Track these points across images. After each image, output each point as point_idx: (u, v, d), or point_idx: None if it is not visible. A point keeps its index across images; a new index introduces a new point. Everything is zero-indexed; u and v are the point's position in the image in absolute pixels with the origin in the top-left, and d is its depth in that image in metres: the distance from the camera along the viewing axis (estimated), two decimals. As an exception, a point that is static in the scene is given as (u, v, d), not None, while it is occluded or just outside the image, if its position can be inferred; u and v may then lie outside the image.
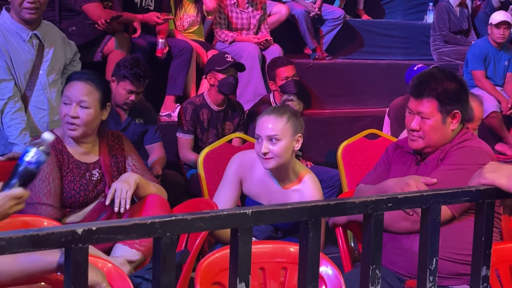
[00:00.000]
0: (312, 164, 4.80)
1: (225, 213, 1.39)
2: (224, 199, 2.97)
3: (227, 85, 4.35)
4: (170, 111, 5.17)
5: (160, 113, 5.18)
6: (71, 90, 2.76)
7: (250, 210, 1.41)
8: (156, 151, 4.19)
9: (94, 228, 1.26)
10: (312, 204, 1.48)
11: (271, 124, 2.81)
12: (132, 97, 3.96)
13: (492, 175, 1.63)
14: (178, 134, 4.37)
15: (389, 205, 1.54)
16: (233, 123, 4.48)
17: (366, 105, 6.34)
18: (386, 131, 4.70)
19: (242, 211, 1.41)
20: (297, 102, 3.67)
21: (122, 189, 2.67)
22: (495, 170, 1.65)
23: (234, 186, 2.99)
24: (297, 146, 2.88)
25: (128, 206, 2.68)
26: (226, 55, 4.42)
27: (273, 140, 2.80)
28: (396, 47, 7.13)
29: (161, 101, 5.22)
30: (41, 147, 1.90)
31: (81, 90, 2.75)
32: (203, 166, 3.53)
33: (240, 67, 4.49)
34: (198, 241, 2.60)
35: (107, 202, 2.68)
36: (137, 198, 2.82)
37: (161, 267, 1.33)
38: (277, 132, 2.80)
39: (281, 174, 2.91)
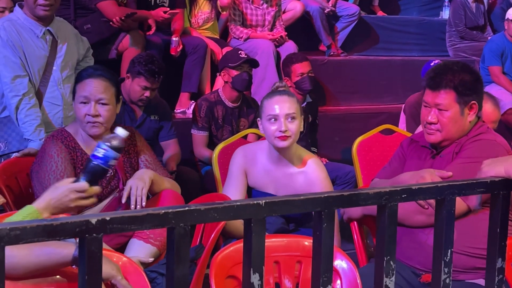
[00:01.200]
0: (327, 161, 4.80)
1: (238, 203, 1.40)
2: (232, 193, 3.01)
3: (241, 82, 4.35)
4: (185, 108, 5.19)
5: (175, 110, 5.19)
6: (87, 88, 2.76)
7: (264, 201, 1.42)
8: (171, 148, 4.21)
9: (108, 218, 1.27)
10: (325, 195, 1.49)
11: (287, 103, 2.89)
12: (147, 93, 3.98)
13: (488, 167, 1.69)
14: (192, 131, 4.38)
15: (403, 196, 1.54)
16: (248, 119, 4.49)
17: (382, 102, 6.32)
18: (401, 127, 4.68)
19: (255, 202, 1.42)
20: (287, 89, 3.76)
21: (137, 186, 2.69)
22: (491, 162, 1.72)
23: (240, 180, 3.04)
24: (301, 127, 2.97)
25: (144, 204, 2.69)
26: (239, 52, 4.43)
27: (290, 118, 2.88)
28: (411, 43, 7.09)
29: (176, 98, 5.24)
30: (113, 143, 1.89)
31: (98, 88, 2.76)
32: (217, 162, 3.53)
33: (254, 64, 4.49)
34: (213, 235, 2.61)
35: (123, 200, 2.69)
36: (152, 194, 2.83)
37: (175, 258, 1.34)
38: (294, 110, 2.90)
39: (287, 158, 2.98)
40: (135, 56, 4.14)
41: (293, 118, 2.88)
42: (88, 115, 2.75)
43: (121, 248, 2.73)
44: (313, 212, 1.49)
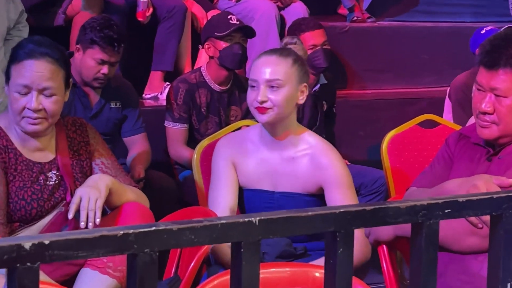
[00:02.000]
0: (348, 163, 4.81)
1: (223, 221, 1.40)
2: (222, 198, 3.04)
3: (231, 57, 4.36)
4: (157, 92, 5.19)
5: (143, 95, 5.21)
6: (26, 74, 2.73)
7: (258, 218, 1.42)
8: (137, 146, 4.22)
9: (46, 242, 1.26)
10: (341, 210, 1.48)
11: (272, 67, 2.95)
12: (104, 69, 3.98)
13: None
14: (167, 124, 4.39)
15: (446, 211, 1.54)
16: (241, 107, 4.49)
17: (422, 84, 6.33)
18: (447, 118, 4.68)
19: (246, 219, 1.41)
20: (301, 46, 3.80)
21: (89, 197, 2.67)
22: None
23: (230, 178, 3.09)
24: (302, 98, 3.03)
25: (98, 220, 2.68)
26: (230, 16, 4.44)
27: (274, 86, 2.94)
28: (462, 5, 7.09)
29: (145, 80, 5.25)
30: None
31: (43, 73, 2.73)
32: (199, 164, 3.54)
33: (248, 32, 4.49)
34: (192, 265, 2.62)
35: (71, 216, 2.68)
36: (110, 208, 2.83)
37: (137, 295, 1.34)
38: (279, 75, 2.95)
39: (281, 138, 3.03)
40: (86, 21, 4.15)
41: (276, 86, 2.94)
42: (28, 109, 2.74)
43: (69, 281, 2.73)
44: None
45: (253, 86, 2.98)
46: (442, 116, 4.67)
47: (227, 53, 4.36)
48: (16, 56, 2.79)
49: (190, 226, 1.37)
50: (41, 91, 2.74)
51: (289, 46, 3.42)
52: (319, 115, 4.79)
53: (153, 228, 1.35)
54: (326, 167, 3.01)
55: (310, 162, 3.03)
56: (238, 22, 4.42)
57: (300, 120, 4.69)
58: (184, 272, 2.71)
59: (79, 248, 1.29)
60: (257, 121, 3.14)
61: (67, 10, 4.80)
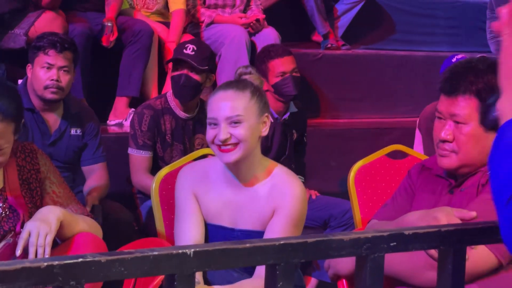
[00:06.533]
0: (318, 194, 4.81)
1: (155, 253, 1.39)
2: (188, 234, 3.00)
3: (175, 87, 4.34)
4: (121, 119, 5.18)
5: (108, 122, 5.19)
6: None
7: (192, 250, 1.40)
8: (96, 175, 4.18)
9: (-37, 273, 1.24)
10: (282, 242, 1.47)
11: (230, 102, 2.89)
12: (53, 74, 3.96)
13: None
14: (130, 151, 4.36)
15: (391, 244, 1.54)
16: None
17: (397, 113, 6.36)
18: (418, 149, 4.69)
19: (180, 251, 1.40)
20: (256, 76, 3.74)
21: (39, 232, 2.63)
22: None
23: (193, 210, 3.04)
24: (265, 130, 2.97)
25: (47, 256, 2.64)
26: (186, 45, 4.37)
27: (235, 122, 2.89)
28: (439, 34, 7.15)
29: (110, 105, 5.23)
30: None
31: None
32: (159, 194, 3.51)
33: (193, 67, 4.33)
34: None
35: (18, 252, 2.64)
36: (61, 240, 2.80)
37: (62, 330, 1.32)
38: (239, 111, 2.89)
39: (242, 176, 2.98)
40: (34, 39, 4.20)
41: (238, 122, 2.89)
42: None
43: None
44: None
45: (214, 124, 2.91)
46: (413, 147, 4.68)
47: (174, 82, 4.35)
48: None
49: (119, 258, 1.36)
50: None
51: (244, 76, 3.36)
52: (288, 144, 4.78)
53: (80, 259, 1.33)
54: (282, 196, 2.95)
55: (269, 192, 2.97)
56: (193, 53, 4.31)
57: (268, 149, 4.70)
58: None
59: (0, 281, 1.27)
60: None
61: (29, 31, 4.77)
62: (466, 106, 2.53)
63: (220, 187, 3.03)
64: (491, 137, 2.53)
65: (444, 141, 2.55)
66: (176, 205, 3.11)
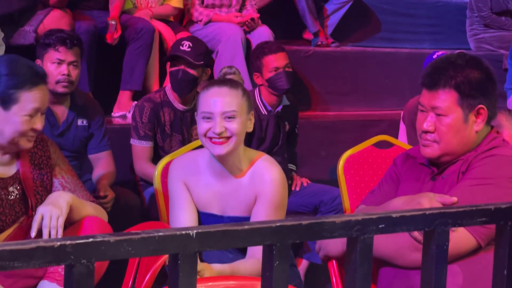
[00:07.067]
0: (309, 182, 4.81)
1: (160, 234, 1.39)
2: (181, 219, 3.02)
3: (174, 81, 4.36)
4: (125, 111, 5.18)
5: (112, 114, 5.19)
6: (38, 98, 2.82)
7: (195, 231, 1.41)
8: (102, 163, 4.19)
9: (-18, 252, 1.25)
10: (278, 224, 1.48)
11: (226, 98, 2.91)
12: (63, 69, 3.97)
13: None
14: (132, 141, 4.37)
15: (380, 226, 1.54)
16: (204, 127, 4.47)
17: (383, 106, 6.36)
18: (402, 140, 4.70)
19: (184, 232, 1.41)
20: (239, 76, 3.74)
21: (51, 215, 2.66)
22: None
23: (186, 199, 3.06)
24: (251, 126, 3.02)
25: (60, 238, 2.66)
26: (183, 42, 4.38)
27: (229, 117, 2.91)
28: (422, 32, 7.15)
29: (114, 98, 5.23)
30: None
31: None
32: (161, 180, 3.51)
33: (190, 63, 4.33)
34: (147, 277, 2.59)
35: (33, 234, 2.66)
36: (70, 224, 2.81)
37: (73, 305, 1.32)
38: (234, 107, 2.92)
39: (230, 168, 3.00)
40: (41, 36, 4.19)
41: (232, 117, 2.91)
42: (35, 129, 2.82)
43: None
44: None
45: (208, 118, 2.92)
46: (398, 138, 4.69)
47: (172, 77, 4.36)
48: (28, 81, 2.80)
49: (127, 238, 1.36)
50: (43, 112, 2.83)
51: (229, 76, 3.36)
52: (281, 135, 4.78)
53: (90, 239, 1.34)
54: (262, 182, 2.97)
55: (251, 179, 3.00)
56: (189, 50, 4.33)
57: (262, 140, 4.71)
58: (141, 285, 2.69)
59: (15, 259, 1.27)
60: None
61: (38, 28, 4.77)
62: (446, 99, 2.54)
63: (208, 178, 3.05)
64: (470, 128, 2.56)
65: (426, 132, 2.57)
66: (170, 195, 3.14)
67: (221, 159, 2.98)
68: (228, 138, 2.91)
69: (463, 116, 2.55)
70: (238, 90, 2.96)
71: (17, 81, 2.77)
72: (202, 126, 2.93)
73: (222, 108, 2.90)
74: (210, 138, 2.91)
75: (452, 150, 2.56)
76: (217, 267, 2.84)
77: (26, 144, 2.81)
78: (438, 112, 2.55)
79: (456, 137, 2.55)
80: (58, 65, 3.98)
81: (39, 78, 2.81)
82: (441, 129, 2.55)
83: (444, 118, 2.55)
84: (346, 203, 3.87)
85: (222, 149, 2.91)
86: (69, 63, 4.00)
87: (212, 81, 3.10)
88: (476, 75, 2.55)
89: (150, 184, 4.26)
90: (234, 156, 2.98)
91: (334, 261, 2.77)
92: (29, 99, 2.77)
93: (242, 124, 2.93)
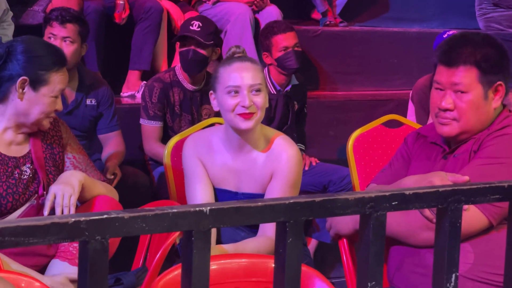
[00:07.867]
0: (318, 161, 4.81)
1: (174, 210, 1.38)
2: (199, 198, 3.02)
3: (184, 61, 4.35)
4: (134, 91, 5.17)
5: (121, 93, 5.19)
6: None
7: (208, 208, 1.40)
8: (112, 143, 4.19)
9: (-2, 228, 1.25)
10: (291, 201, 1.47)
11: (251, 72, 2.93)
12: (56, 43, 3.91)
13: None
14: (142, 121, 4.37)
15: (393, 203, 1.53)
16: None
17: (391, 86, 6.34)
18: (410, 119, 4.68)
19: (197, 209, 1.40)
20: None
21: (63, 194, 2.67)
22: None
23: (202, 175, 3.06)
24: (267, 102, 3.02)
25: None
26: (192, 22, 4.37)
27: (255, 91, 2.93)
28: (431, 12, 7.11)
29: (122, 78, 5.23)
30: None
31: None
32: (170, 160, 3.52)
33: (199, 43, 4.34)
34: (158, 255, 2.60)
35: (46, 212, 2.68)
36: (81, 202, 2.82)
37: (88, 282, 1.32)
38: (259, 80, 2.94)
39: (250, 143, 3.01)
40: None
41: (258, 90, 2.92)
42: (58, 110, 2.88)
43: (39, 272, 2.71)
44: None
45: (235, 92, 2.91)
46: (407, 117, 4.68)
47: (182, 57, 4.36)
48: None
49: (141, 215, 1.36)
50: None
51: (237, 55, 3.35)
52: (290, 114, 4.78)
53: (105, 216, 1.33)
54: (279, 160, 2.98)
55: (268, 157, 3.00)
56: (199, 29, 4.33)
57: (272, 119, 4.70)
58: (151, 263, 2.70)
59: (30, 235, 1.27)
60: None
61: (47, 8, 4.76)
62: (467, 75, 2.53)
63: (224, 155, 3.05)
64: (488, 105, 2.55)
65: (445, 109, 2.55)
66: (185, 173, 3.12)
67: (246, 134, 2.97)
68: (254, 112, 2.92)
69: (483, 92, 2.54)
70: (258, 65, 2.99)
71: (48, 62, 2.80)
72: (228, 102, 2.92)
73: (250, 81, 2.91)
74: (238, 113, 2.90)
75: (470, 128, 2.55)
76: (218, 247, 2.85)
77: (47, 124, 2.85)
78: (458, 89, 2.54)
79: (476, 114, 2.54)
80: (50, 40, 4.00)
81: (64, 59, 2.86)
82: (461, 107, 2.53)
83: (464, 95, 2.53)
84: (356, 182, 3.87)
85: (250, 123, 2.91)
86: (62, 38, 4.01)
87: (230, 57, 3.08)
88: (494, 52, 2.55)
89: (160, 163, 4.27)
90: (254, 132, 2.98)
91: (344, 239, 2.77)
92: (57, 80, 2.81)
93: (266, 98, 2.96)
